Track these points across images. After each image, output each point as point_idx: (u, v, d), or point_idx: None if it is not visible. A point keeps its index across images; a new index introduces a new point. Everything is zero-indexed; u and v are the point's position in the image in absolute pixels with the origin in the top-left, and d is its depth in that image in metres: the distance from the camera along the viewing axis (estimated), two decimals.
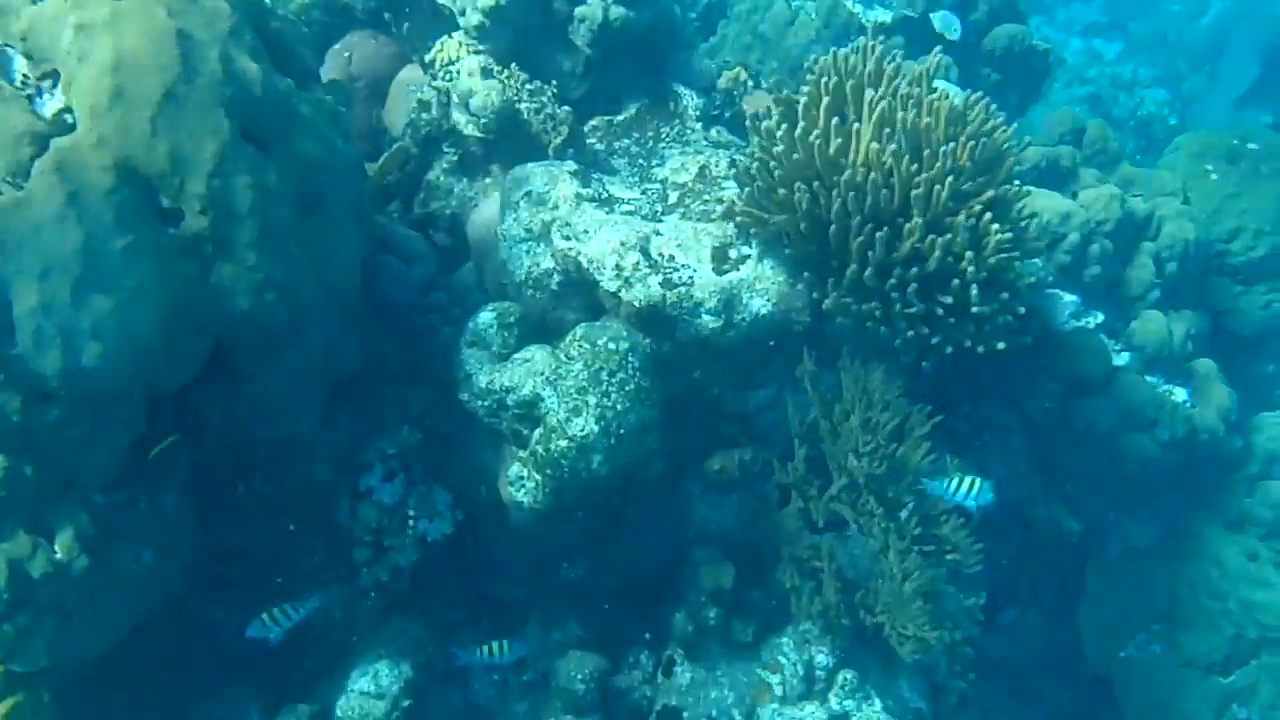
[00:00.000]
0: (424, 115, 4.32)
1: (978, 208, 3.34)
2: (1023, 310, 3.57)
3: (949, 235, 3.31)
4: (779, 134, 3.49)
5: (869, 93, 3.45)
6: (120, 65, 2.84)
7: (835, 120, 3.42)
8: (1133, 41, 11.85)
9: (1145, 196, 4.84)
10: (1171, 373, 4.58)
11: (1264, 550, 4.59)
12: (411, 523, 3.75)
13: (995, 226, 3.34)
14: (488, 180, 4.34)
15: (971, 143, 3.39)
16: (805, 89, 3.59)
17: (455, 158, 4.35)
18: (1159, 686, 4.66)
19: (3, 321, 2.83)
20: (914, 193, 3.31)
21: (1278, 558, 4.58)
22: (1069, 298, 4.49)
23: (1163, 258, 4.63)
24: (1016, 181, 3.61)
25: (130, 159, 2.85)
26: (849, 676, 3.66)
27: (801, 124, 3.46)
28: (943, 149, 3.30)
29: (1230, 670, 4.59)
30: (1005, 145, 3.51)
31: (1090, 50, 11.88)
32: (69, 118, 2.94)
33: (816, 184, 3.45)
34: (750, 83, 4.63)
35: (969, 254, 3.38)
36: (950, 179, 3.32)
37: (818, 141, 3.37)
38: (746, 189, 3.66)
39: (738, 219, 3.69)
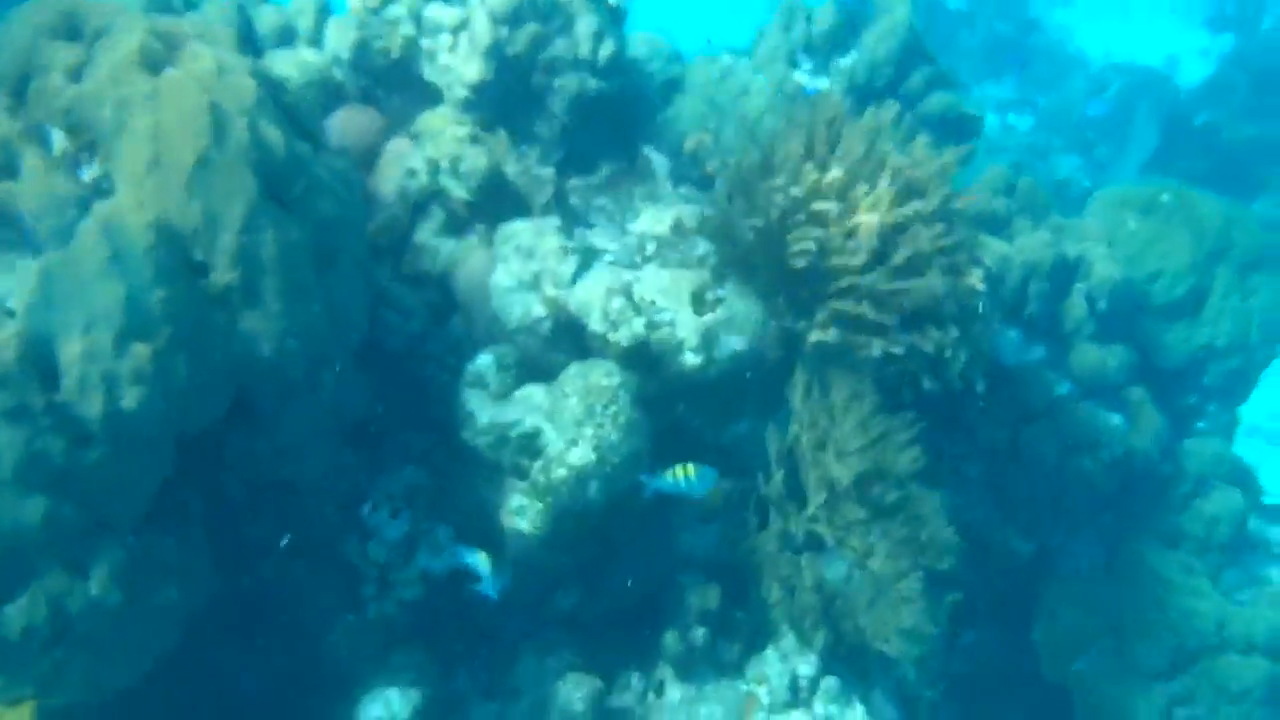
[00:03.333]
0: (413, 182, 4.62)
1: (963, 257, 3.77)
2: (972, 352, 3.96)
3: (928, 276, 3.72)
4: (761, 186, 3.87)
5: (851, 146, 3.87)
6: (158, 135, 3.13)
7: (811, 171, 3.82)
8: (1042, 116, 12.65)
9: (1074, 242, 5.30)
10: (1108, 400, 5.00)
11: (1197, 563, 4.98)
12: (416, 558, 3.99)
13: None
14: (473, 239, 4.63)
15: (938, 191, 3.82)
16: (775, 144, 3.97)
17: (442, 219, 4.64)
18: (1110, 695, 4.99)
19: (49, 370, 3.07)
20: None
21: (1210, 569, 4.97)
22: (1012, 333, 4.90)
23: (1094, 296, 5.07)
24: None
25: (167, 218, 3.12)
26: (831, 683, 3.93)
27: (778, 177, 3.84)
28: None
29: (1175, 676, 4.94)
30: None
31: (1005, 124, 12.65)
32: (106, 184, 3.23)
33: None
34: (711, 145, 5.02)
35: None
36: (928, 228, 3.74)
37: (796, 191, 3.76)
38: (716, 240, 4.03)
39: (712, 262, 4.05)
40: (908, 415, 3.85)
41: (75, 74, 3.24)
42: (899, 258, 3.74)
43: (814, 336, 3.91)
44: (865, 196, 3.81)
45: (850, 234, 3.79)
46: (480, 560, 3.69)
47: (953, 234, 3.84)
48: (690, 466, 3.70)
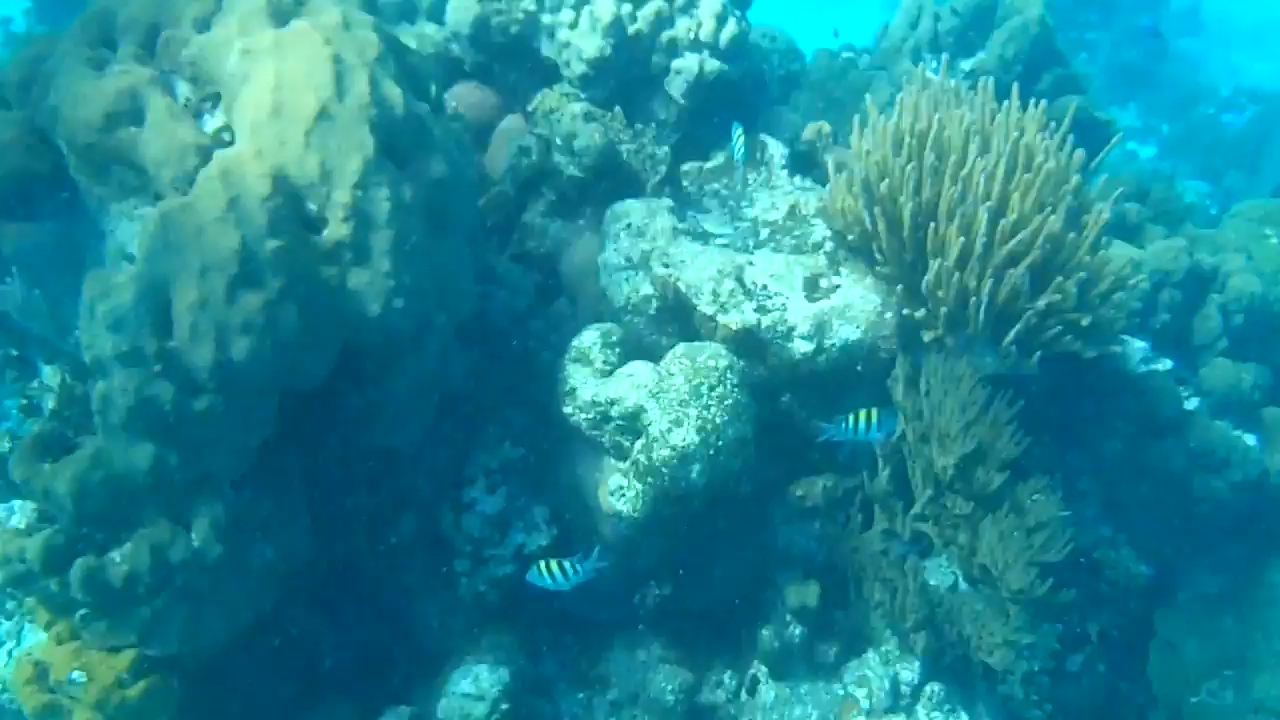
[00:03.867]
0: (524, 160, 4.58)
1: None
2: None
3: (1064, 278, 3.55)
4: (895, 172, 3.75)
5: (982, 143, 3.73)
6: (280, 85, 3.12)
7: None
8: (1166, 144, 12.20)
9: (1209, 252, 5.02)
10: (1240, 419, 4.71)
11: None
12: (511, 535, 3.93)
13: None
14: (581, 222, 4.57)
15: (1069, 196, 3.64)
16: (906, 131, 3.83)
17: (552, 199, 4.60)
18: None
19: (163, 315, 3.07)
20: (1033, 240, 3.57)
21: None
22: (1139, 343, 4.65)
23: (1230, 309, 4.79)
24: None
25: (284, 169, 3.11)
26: (936, 689, 3.74)
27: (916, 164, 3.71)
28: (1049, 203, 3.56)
29: None
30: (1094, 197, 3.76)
31: (1126, 152, 12.18)
32: (227, 135, 3.24)
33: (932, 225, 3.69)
34: (830, 139, 4.88)
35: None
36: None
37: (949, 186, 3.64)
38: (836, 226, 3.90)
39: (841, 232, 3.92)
40: (1008, 394, 3.64)
41: (204, 24, 3.26)
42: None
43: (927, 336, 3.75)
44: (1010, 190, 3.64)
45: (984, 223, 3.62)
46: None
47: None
48: (874, 411, 3.52)
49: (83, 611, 3.25)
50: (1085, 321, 3.68)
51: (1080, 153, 3.92)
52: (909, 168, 3.68)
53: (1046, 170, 3.67)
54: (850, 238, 4.00)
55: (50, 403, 3.53)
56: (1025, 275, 3.58)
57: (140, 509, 3.27)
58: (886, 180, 3.78)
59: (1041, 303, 3.59)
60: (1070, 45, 12.57)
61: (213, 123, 3.25)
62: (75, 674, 3.31)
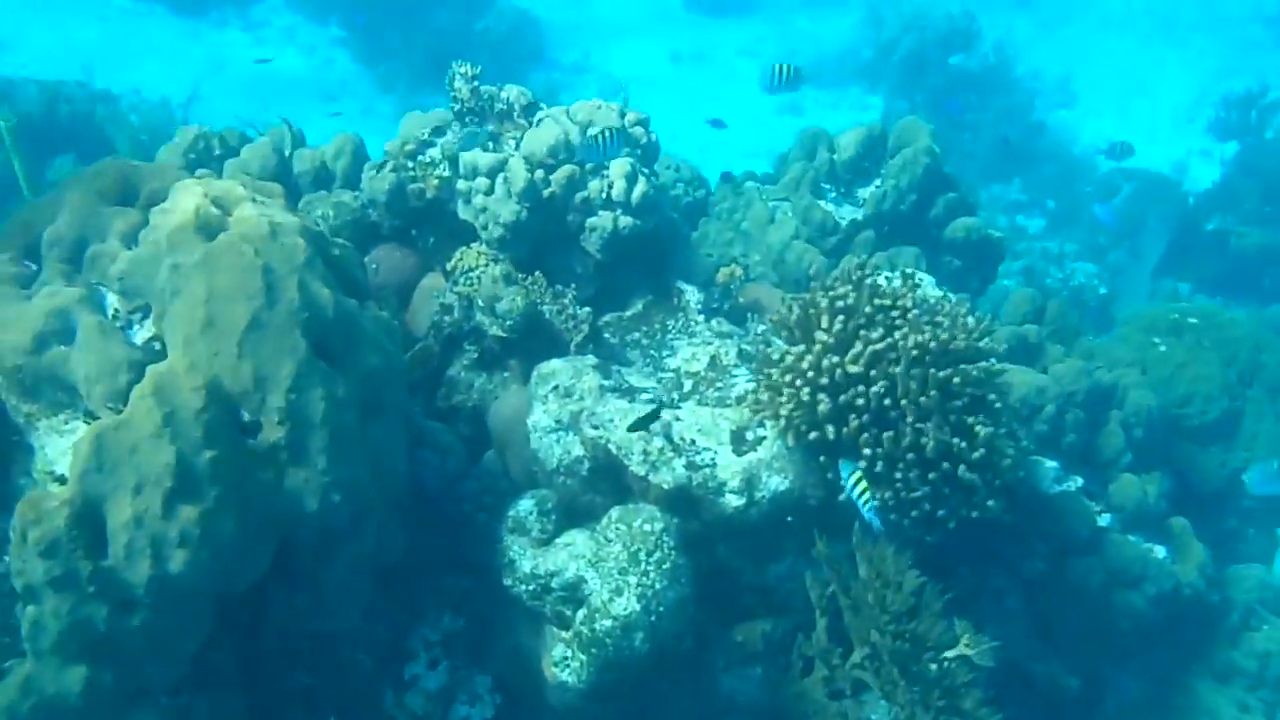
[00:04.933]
0: (447, 317, 4.65)
1: (959, 404, 3.76)
2: (1002, 483, 3.94)
3: (941, 428, 3.71)
4: (792, 353, 3.91)
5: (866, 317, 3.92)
6: (211, 297, 3.15)
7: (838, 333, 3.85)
8: (1052, 218, 12.77)
9: (1106, 368, 5.30)
10: (1151, 532, 4.94)
11: (1253, 700, 4.86)
12: (455, 708, 3.91)
13: (981, 421, 3.77)
14: (506, 374, 4.64)
15: (959, 341, 3.84)
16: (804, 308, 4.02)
17: (475, 355, 4.66)
18: None
19: (98, 535, 3.04)
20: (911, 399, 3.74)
21: (1266, 709, 4.84)
22: (1050, 464, 4.87)
23: (1130, 423, 5.05)
24: (994, 361, 4.05)
25: (218, 379, 3.13)
26: None
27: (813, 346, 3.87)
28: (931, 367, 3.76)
29: None
30: (984, 343, 3.96)
31: (1015, 226, 12.75)
32: (156, 345, 3.25)
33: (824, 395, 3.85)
34: (742, 277, 5.06)
35: (958, 441, 3.80)
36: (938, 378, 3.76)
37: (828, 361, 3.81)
38: (762, 382, 4.03)
39: (755, 407, 4.04)
40: (938, 586, 3.80)
41: (130, 238, 3.28)
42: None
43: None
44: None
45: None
46: None
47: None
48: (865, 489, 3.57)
49: None
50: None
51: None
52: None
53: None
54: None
55: None
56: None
57: None
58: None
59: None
60: (955, 126, 13.24)
61: (143, 334, 3.26)
62: None
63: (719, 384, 4.34)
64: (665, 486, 3.92)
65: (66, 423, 3.18)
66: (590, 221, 4.61)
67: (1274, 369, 5.48)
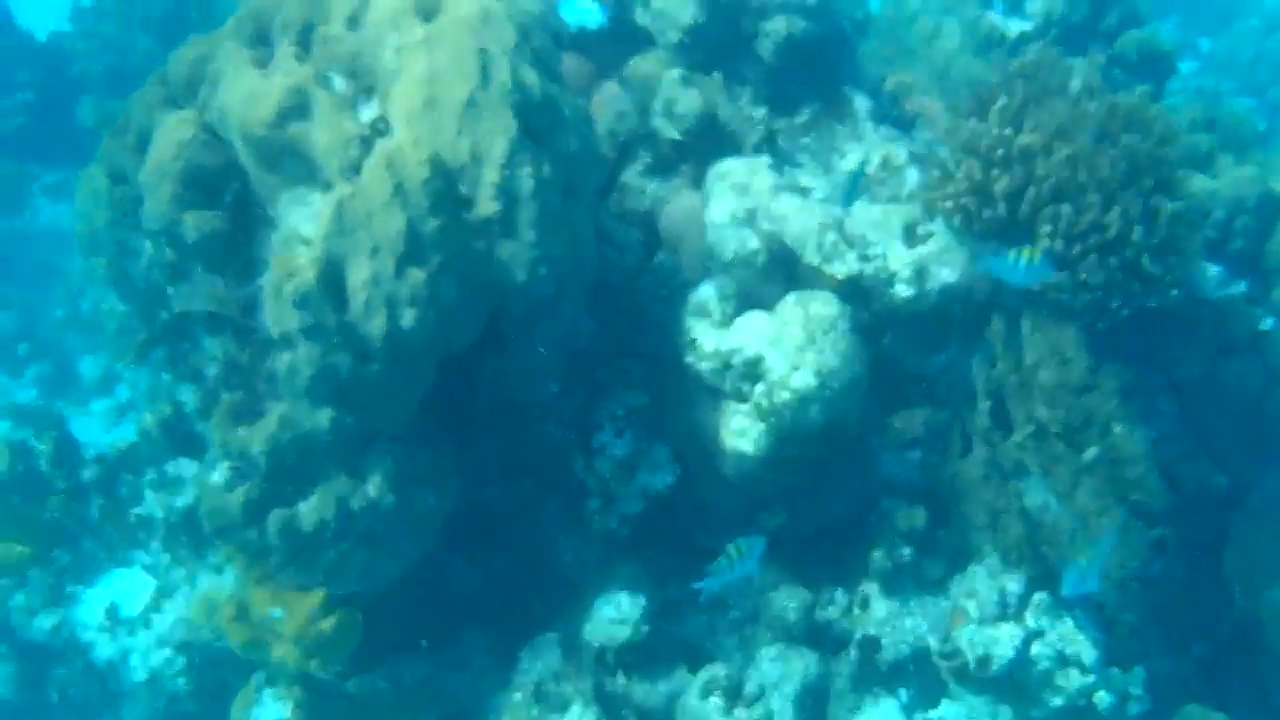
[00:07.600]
0: (623, 124, 4.86)
1: (1149, 183, 3.81)
2: (1184, 271, 4.01)
3: (1124, 207, 3.77)
4: (976, 128, 3.98)
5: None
6: (432, 78, 3.44)
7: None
8: (1206, 60, 12.12)
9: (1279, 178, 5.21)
10: None
11: None
12: (637, 475, 4.29)
13: (1166, 201, 3.82)
14: (678, 180, 4.85)
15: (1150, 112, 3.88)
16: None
17: (649, 160, 4.87)
18: None
19: (339, 293, 3.43)
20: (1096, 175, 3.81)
21: None
22: (1214, 269, 4.88)
23: None
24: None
25: (439, 154, 3.43)
26: (1043, 598, 4.08)
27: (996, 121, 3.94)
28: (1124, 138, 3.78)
29: None
30: (1171, 132, 3.97)
31: None
32: (382, 125, 3.55)
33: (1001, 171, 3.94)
34: (910, 84, 5.11)
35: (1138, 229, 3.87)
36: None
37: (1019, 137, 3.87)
38: (936, 173, 4.15)
39: (928, 199, 4.18)
40: (1113, 366, 3.92)
41: (353, 21, 3.56)
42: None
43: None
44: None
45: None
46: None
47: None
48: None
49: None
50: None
51: None
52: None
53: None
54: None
55: (213, 371, 3.90)
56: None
57: (321, 465, 3.66)
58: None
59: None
60: None
61: (368, 113, 3.56)
62: (276, 612, 3.72)
63: (890, 183, 4.48)
64: (839, 277, 4.13)
65: (306, 194, 3.53)
66: (764, 26, 4.71)
67: None
